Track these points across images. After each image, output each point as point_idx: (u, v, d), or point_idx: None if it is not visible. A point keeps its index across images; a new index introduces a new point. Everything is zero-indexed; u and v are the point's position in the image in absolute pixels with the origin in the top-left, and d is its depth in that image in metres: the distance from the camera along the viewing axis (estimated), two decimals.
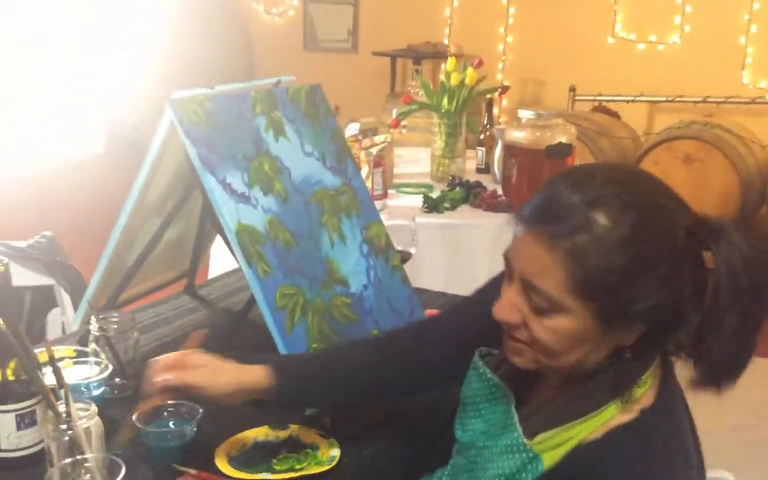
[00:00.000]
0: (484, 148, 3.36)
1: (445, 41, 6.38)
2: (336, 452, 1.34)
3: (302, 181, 1.65)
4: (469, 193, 2.89)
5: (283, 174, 1.61)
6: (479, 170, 3.36)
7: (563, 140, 2.74)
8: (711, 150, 4.42)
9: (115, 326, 1.61)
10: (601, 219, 0.97)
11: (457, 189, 2.93)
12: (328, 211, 1.67)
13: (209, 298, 2.10)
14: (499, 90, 3.39)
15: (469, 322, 1.29)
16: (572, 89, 5.45)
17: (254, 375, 1.29)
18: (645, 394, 1.03)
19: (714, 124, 4.61)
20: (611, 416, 1.02)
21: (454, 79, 3.12)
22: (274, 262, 1.49)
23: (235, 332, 1.80)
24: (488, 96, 3.42)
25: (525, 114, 2.79)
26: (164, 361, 1.26)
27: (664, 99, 5.29)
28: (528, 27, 6.10)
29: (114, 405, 1.54)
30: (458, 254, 2.71)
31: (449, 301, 2.08)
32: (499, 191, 2.93)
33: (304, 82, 1.81)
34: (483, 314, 1.14)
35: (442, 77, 3.27)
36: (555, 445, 1.04)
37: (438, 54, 6.15)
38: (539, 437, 1.05)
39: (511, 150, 2.83)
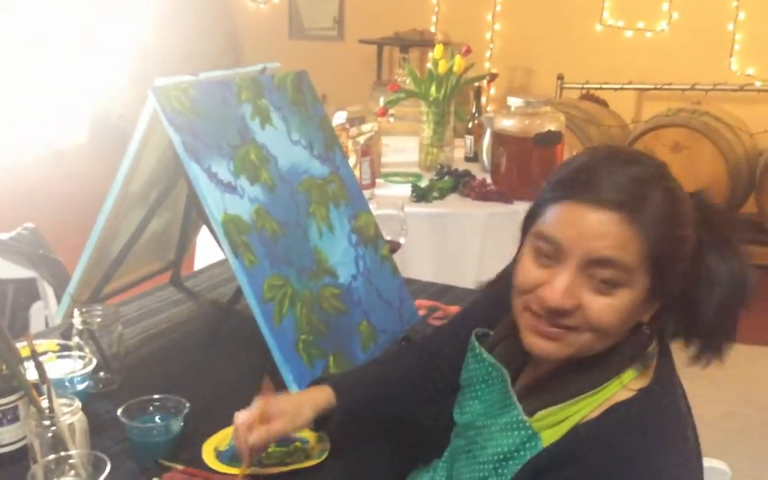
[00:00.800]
0: (472, 137, 3.33)
1: (432, 29, 6.34)
2: (326, 446, 1.32)
3: (289, 170, 1.62)
4: (458, 182, 2.86)
5: (269, 163, 1.58)
6: (468, 159, 3.33)
7: (552, 128, 2.72)
8: (699, 138, 4.42)
9: (99, 319, 1.58)
10: (675, 188, 1.00)
11: (446, 178, 2.90)
12: (315, 201, 1.64)
13: (195, 289, 2.07)
14: (488, 78, 3.36)
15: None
16: (560, 77, 5.42)
17: (325, 398, 1.29)
18: (643, 374, 1.02)
19: (702, 111, 4.60)
20: (611, 395, 1.01)
21: (442, 67, 3.09)
22: (261, 253, 1.46)
23: (221, 324, 1.77)
24: (476, 84, 3.39)
25: (514, 102, 2.77)
26: (245, 421, 1.23)
27: (652, 87, 5.27)
28: (516, 14, 6.06)
29: (98, 399, 1.52)
30: (447, 244, 2.69)
31: (440, 291, 2.06)
32: (488, 180, 2.90)
33: (290, 70, 1.78)
34: None
35: (429, 65, 3.24)
36: (554, 423, 1.03)
37: (425, 42, 6.12)
38: (539, 414, 1.04)
39: (500, 138, 2.80)
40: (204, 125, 1.48)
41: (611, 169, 0.99)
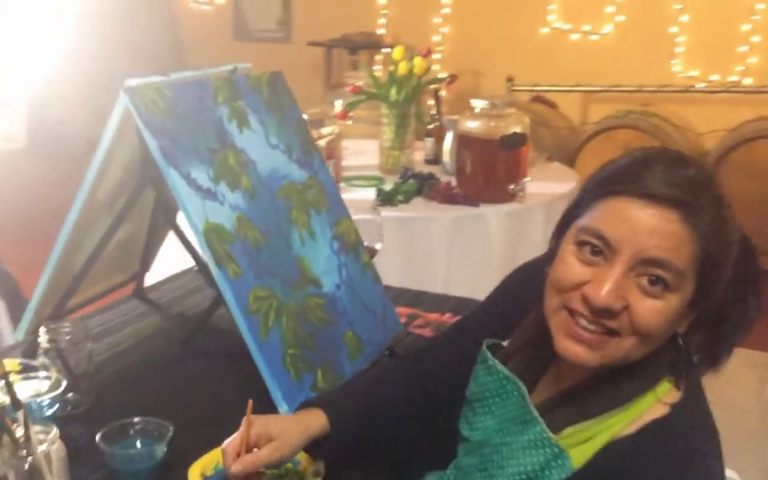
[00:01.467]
0: (433, 139, 3.29)
1: (380, 31, 6.30)
2: (320, 468, 1.25)
3: (269, 175, 1.54)
4: (422, 185, 2.82)
5: (249, 168, 1.50)
6: (428, 161, 3.29)
7: (518, 130, 2.70)
8: (648, 139, 4.48)
9: (68, 337, 1.47)
10: (725, 196, 0.96)
11: (410, 181, 2.85)
12: (296, 207, 1.57)
13: (161, 301, 1.97)
14: (448, 80, 3.32)
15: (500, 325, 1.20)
16: (510, 79, 5.44)
17: (318, 425, 1.22)
18: (671, 389, 0.98)
19: (651, 113, 4.67)
20: (644, 410, 0.97)
21: (403, 69, 3.04)
22: (245, 263, 1.39)
23: (194, 337, 1.68)
24: (435, 86, 3.35)
25: (478, 103, 2.74)
26: (233, 448, 1.15)
27: (600, 89, 5.32)
28: (464, 17, 6.07)
29: (68, 423, 1.41)
30: (414, 248, 2.64)
31: (415, 297, 2.00)
32: (453, 182, 2.86)
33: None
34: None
35: (391, 68, 3.18)
36: (583, 440, 0.98)
37: (374, 44, 6.07)
38: (567, 431, 0.99)
39: (464, 140, 2.77)
40: (181, 128, 1.39)
41: (666, 167, 0.95)
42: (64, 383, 1.41)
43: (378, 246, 1.91)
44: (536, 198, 2.79)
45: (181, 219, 1.71)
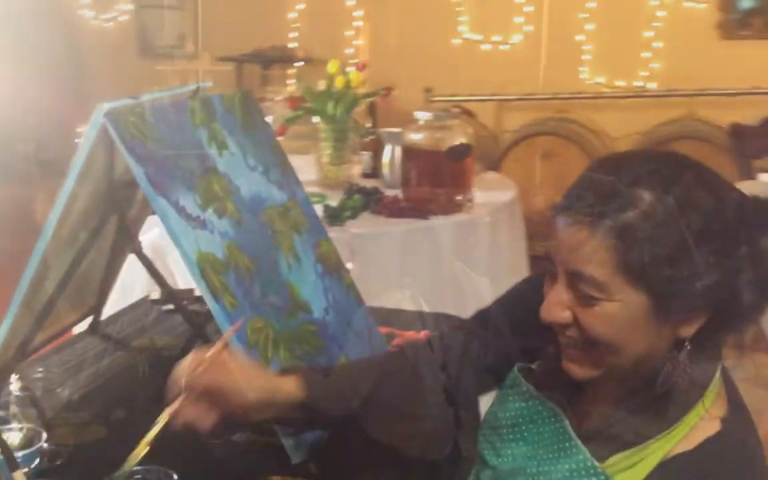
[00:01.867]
0: (370, 152, 3.26)
1: (292, 45, 6.23)
2: None
3: (252, 199, 1.47)
4: (368, 200, 2.78)
5: (233, 193, 1.43)
6: (366, 175, 3.26)
7: (463, 141, 2.70)
8: (568, 144, 4.60)
9: (41, 383, 1.36)
10: (646, 195, 0.93)
11: (356, 196, 2.81)
12: (280, 231, 1.51)
13: (121, 336, 1.86)
14: (384, 92, 3.30)
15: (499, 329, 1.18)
16: (428, 90, 5.47)
17: (289, 385, 1.14)
18: (715, 402, 0.98)
19: (569, 119, 4.79)
20: (692, 426, 0.96)
21: (340, 83, 3.00)
22: (240, 293, 1.31)
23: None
24: (370, 99, 3.32)
25: (422, 115, 2.73)
26: (194, 358, 1.08)
27: (515, 97, 5.43)
28: (376, 29, 6.06)
29: (48, 477, 1.30)
30: (366, 265, 2.59)
31: (389, 315, 1.96)
32: (399, 195, 2.84)
33: (141, 91, 1.61)
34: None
35: (321, 82, 3.13)
36: (628, 466, 0.96)
37: (287, 58, 6.00)
38: (614, 459, 0.97)
39: (410, 153, 2.75)
40: (165, 154, 1.31)
41: (590, 176, 0.98)
42: (44, 435, 1.30)
43: (349, 265, 1.87)
44: (482, 208, 2.80)
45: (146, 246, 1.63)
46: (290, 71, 6.22)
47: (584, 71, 5.65)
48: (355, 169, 3.30)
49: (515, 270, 2.91)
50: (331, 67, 3.07)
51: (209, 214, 1.34)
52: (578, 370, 1.01)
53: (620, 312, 0.94)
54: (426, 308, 2.06)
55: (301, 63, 6.09)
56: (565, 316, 0.97)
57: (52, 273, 1.53)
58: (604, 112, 5.40)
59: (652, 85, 5.49)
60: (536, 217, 3.32)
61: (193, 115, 1.42)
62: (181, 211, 1.27)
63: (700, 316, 0.96)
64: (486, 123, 5.46)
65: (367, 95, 3.18)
